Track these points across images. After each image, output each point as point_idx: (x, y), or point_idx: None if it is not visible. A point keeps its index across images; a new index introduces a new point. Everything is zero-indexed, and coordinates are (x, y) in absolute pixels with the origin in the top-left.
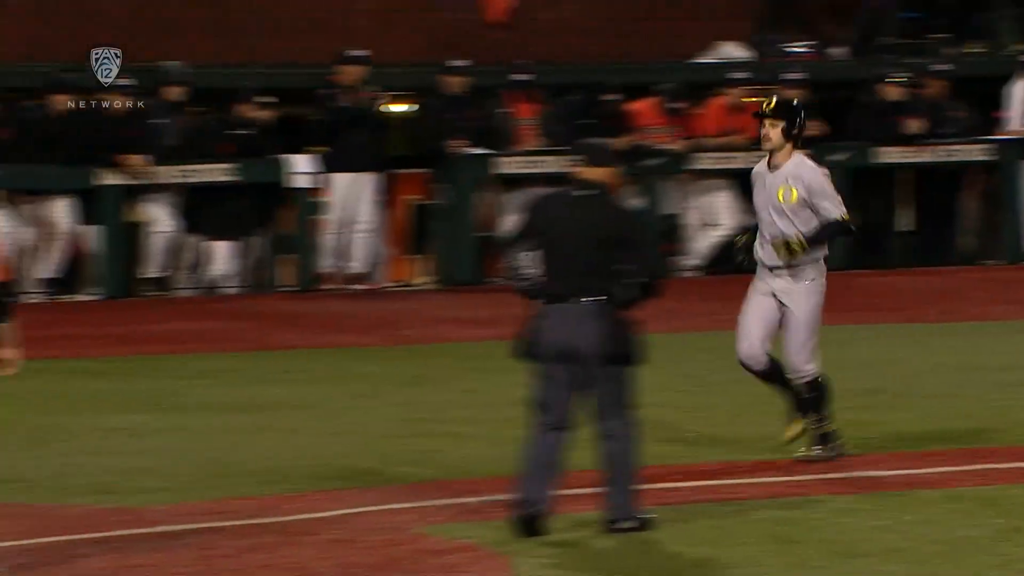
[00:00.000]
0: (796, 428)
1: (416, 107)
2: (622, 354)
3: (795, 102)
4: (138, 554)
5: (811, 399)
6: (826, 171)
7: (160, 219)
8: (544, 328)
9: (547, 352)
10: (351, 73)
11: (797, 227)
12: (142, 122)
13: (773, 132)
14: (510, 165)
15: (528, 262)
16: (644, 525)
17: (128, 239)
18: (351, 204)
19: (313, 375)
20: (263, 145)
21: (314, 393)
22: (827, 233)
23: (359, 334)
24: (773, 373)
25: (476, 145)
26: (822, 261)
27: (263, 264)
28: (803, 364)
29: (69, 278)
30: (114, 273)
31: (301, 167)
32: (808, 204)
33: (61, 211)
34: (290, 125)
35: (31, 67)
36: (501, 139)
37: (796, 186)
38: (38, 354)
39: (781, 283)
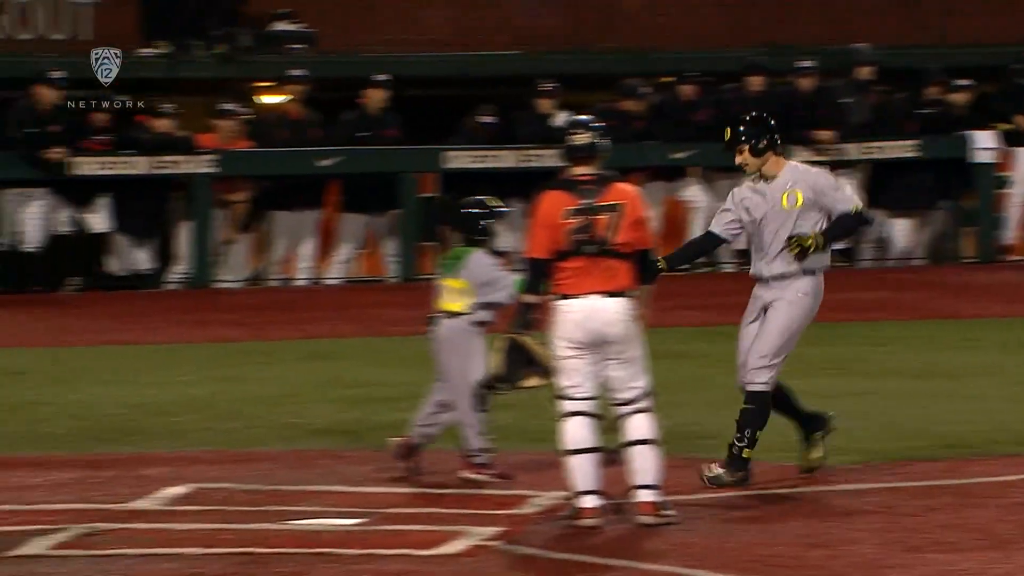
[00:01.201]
0: (816, 452)
1: None
2: None
3: (751, 118)
4: (826, 508)
5: (748, 412)
6: (826, 168)
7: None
8: None
9: None
10: None
11: (807, 228)
12: (831, 100)
13: (742, 157)
14: None
15: None
16: None
17: None
18: None
19: (994, 343)
20: (948, 123)
21: (994, 361)
22: (844, 226)
23: None
24: (780, 402)
25: None
26: (818, 277)
27: (945, 237)
28: (756, 373)
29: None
30: None
31: (985, 143)
32: (817, 205)
33: None
34: (976, 103)
35: (728, 52)
36: None
37: (800, 188)
38: (726, 320)
39: (771, 294)
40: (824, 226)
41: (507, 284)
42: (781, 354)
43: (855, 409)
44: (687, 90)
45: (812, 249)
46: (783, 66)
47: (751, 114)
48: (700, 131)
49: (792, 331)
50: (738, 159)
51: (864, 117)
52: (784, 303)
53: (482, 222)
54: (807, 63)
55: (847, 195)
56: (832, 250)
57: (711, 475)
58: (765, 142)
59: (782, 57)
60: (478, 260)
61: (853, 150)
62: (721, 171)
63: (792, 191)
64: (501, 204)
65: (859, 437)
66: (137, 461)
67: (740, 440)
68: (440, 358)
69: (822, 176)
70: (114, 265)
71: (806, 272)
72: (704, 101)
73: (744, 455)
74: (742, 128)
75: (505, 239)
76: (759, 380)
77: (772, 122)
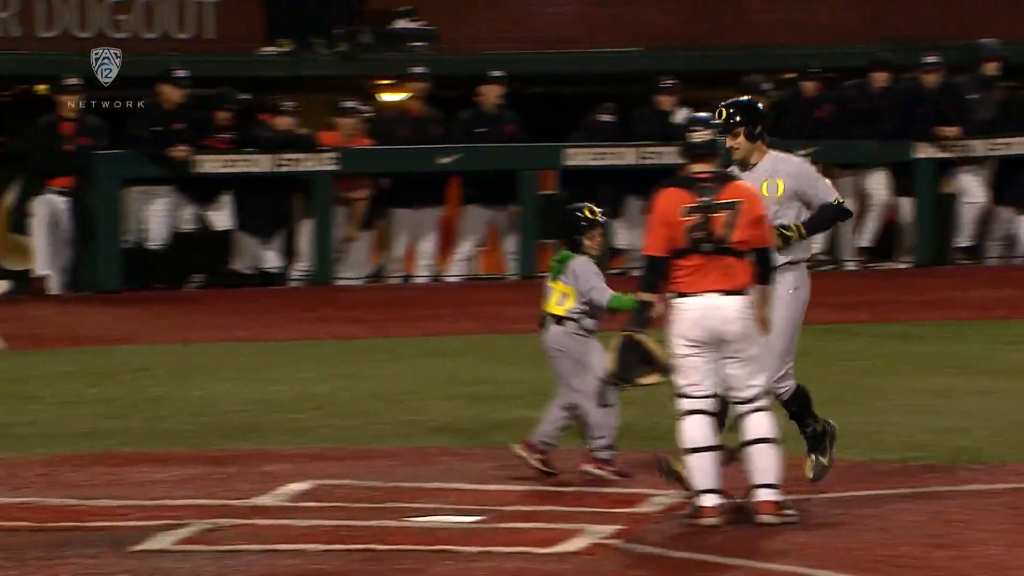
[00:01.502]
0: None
1: None
2: None
3: (747, 103)
4: (951, 509)
5: (796, 412)
6: (807, 158)
7: (971, 190)
8: None
9: None
10: None
11: (789, 219)
12: (956, 96)
13: (737, 142)
14: None
15: None
16: None
17: (940, 210)
18: None
19: None
20: None
21: None
22: (825, 217)
23: None
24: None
25: None
26: (802, 268)
27: None
28: (779, 383)
29: (883, 247)
30: (926, 242)
31: None
32: (797, 195)
33: (878, 183)
34: None
35: (851, 48)
36: None
37: (780, 179)
38: (849, 319)
39: None
40: (803, 217)
41: (602, 298)
42: (790, 355)
43: (980, 408)
44: (809, 87)
45: (793, 240)
46: (908, 61)
47: (742, 99)
48: (822, 128)
49: (793, 329)
50: (730, 142)
51: (990, 113)
52: (779, 305)
53: (582, 228)
54: (932, 58)
55: (827, 186)
56: (814, 240)
57: (812, 474)
58: (760, 128)
59: (907, 52)
60: (579, 267)
61: (979, 147)
62: (843, 167)
63: (772, 180)
64: (601, 212)
65: (984, 437)
66: (259, 457)
67: (807, 426)
68: (552, 362)
69: (804, 165)
70: (237, 262)
71: (790, 265)
72: (826, 97)
73: (819, 430)
74: (737, 112)
75: (621, 237)
76: (784, 386)
77: (761, 108)
